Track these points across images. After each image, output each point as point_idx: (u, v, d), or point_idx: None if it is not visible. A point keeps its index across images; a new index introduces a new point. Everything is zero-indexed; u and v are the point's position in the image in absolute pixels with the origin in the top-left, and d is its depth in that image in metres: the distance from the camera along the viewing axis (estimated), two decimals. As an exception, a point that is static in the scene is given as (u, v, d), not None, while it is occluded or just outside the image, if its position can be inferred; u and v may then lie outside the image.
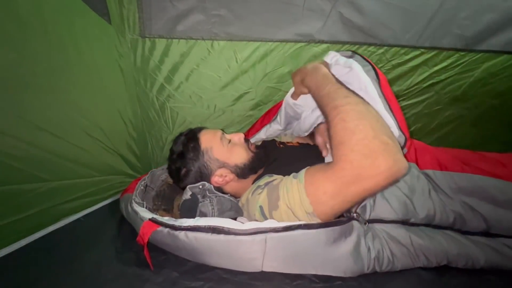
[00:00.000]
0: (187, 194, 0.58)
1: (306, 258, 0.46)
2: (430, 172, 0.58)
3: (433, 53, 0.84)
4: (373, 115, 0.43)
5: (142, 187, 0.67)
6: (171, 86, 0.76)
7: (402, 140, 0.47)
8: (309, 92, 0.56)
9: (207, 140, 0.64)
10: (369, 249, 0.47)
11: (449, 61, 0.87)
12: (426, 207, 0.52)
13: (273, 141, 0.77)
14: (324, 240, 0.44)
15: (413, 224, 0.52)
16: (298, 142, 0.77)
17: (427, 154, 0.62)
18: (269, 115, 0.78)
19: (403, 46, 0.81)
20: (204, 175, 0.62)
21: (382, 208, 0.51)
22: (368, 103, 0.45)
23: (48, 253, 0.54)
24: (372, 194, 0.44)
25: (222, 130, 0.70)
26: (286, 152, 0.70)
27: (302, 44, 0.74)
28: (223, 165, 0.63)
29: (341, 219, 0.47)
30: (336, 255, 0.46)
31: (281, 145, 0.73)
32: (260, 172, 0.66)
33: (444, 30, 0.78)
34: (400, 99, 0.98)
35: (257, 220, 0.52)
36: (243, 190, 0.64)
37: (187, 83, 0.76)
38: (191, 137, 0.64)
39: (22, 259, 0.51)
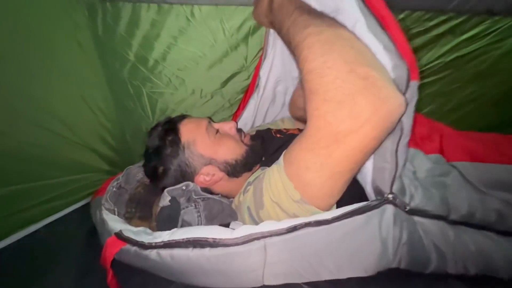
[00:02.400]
0: (165, 200, 0.47)
1: (318, 261, 0.37)
2: (458, 164, 0.47)
3: (462, 18, 0.71)
4: (345, 41, 0.31)
5: (114, 189, 0.56)
6: (145, 66, 0.62)
7: (403, 71, 0.31)
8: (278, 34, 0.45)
9: (189, 131, 0.53)
10: (399, 242, 0.37)
11: (479, 28, 0.74)
12: (465, 201, 0.41)
13: (268, 130, 0.65)
14: (341, 235, 0.35)
15: (454, 222, 0.41)
16: (298, 129, 0.66)
17: (454, 142, 0.51)
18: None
19: (428, 10, 0.66)
20: (186, 174, 0.52)
21: (425, 197, 0.39)
22: (340, 26, 0.33)
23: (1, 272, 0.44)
24: (368, 154, 0.33)
25: (210, 118, 0.58)
26: (286, 143, 0.59)
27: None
28: (209, 162, 0.52)
29: (369, 203, 0.36)
30: (356, 250, 0.36)
31: (279, 134, 0.62)
32: (256, 169, 0.56)
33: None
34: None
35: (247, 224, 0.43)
36: (236, 190, 0.54)
37: (165, 63, 0.62)
38: (169, 128, 0.53)
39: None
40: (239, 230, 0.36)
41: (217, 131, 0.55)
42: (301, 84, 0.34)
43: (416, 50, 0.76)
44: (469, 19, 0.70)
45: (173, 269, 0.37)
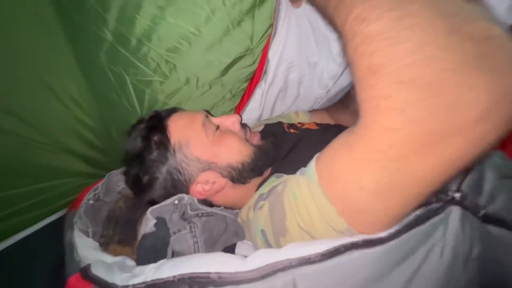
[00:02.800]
0: (149, 224, 0.36)
1: None
2: None
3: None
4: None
5: (91, 201, 0.45)
6: (126, 48, 0.50)
7: None
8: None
9: (180, 128, 0.43)
10: (469, 255, 0.28)
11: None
12: None
13: (279, 124, 0.55)
14: (400, 257, 0.25)
15: None
16: (315, 123, 0.55)
17: None
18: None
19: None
20: (178, 184, 0.42)
21: (509, 203, 0.29)
22: None
23: None
24: (469, 164, 0.21)
25: (207, 111, 0.47)
26: (302, 139, 0.49)
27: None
28: (208, 167, 0.42)
29: (430, 207, 0.26)
30: (417, 275, 0.26)
31: (292, 129, 0.52)
32: (267, 173, 0.45)
33: None
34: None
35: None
36: (243, 200, 0.44)
37: (150, 43, 0.49)
38: (154, 125, 0.43)
39: None
40: (254, 258, 0.26)
41: (217, 127, 0.45)
42: (348, 63, 0.22)
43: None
44: None
45: None
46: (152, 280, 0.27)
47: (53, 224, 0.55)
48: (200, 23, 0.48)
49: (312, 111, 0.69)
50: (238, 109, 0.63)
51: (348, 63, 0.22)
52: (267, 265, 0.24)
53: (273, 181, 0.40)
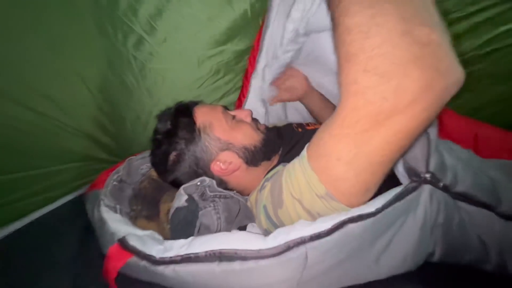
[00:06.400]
0: (181, 199, 0.39)
1: (359, 259, 0.32)
2: (500, 161, 0.46)
3: (506, 6, 0.63)
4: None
5: (115, 183, 0.48)
6: (153, 38, 0.53)
7: None
8: None
9: (204, 113, 0.48)
10: (435, 221, 0.34)
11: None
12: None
13: (289, 124, 0.61)
14: (384, 227, 0.31)
15: (504, 216, 0.36)
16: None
17: (492, 142, 0.51)
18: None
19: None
20: (201, 162, 0.46)
21: (476, 182, 0.35)
22: None
23: None
24: (414, 139, 0.27)
25: (224, 106, 0.52)
26: (305, 136, 0.54)
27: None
28: (227, 147, 0.47)
29: (406, 187, 0.32)
30: (397, 239, 0.33)
31: (300, 129, 0.58)
32: (274, 160, 0.51)
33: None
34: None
35: (263, 226, 0.38)
36: (253, 185, 0.48)
37: (176, 34, 0.53)
38: (182, 110, 0.47)
39: None
40: (273, 237, 0.30)
41: (233, 117, 0.50)
42: (334, 48, 0.26)
43: (454, 38, 0.70)
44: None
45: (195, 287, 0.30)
46: (187, 254, 0.30)
47: (70, 203, 0.57)
48: (224, 14, 0.52)
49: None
50: (239, 105, 0.68)
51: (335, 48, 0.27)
52: (285, 243, 0.29)
53: (278, 169, 0.45)
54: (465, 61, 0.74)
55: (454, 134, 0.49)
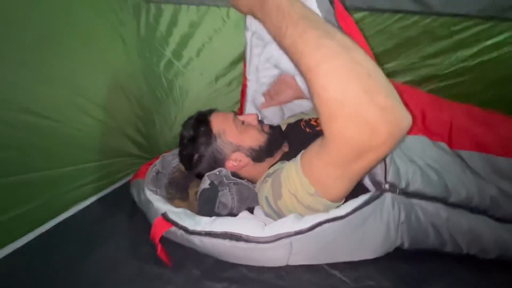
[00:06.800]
0: (205, 183, 0.53)
1: (334, 248, 0.43)
2: (465, 153, 0.53)
3: (487, 24, 0.71)
4: (362, 68, 0.31)
5: (154, 173, 0.62)
6: (180, 62, 0.67)
7: None
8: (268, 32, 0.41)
9: (219, 122, 0.58)
10: (398, 221, 0.43)
11: (503, 35, 0.74)
12: (465, 186, 0.46)
13: (298, 122, 0.68)
14: (355, 225, 0.41)
15: (453, 205, 0.46)
16: None
17: (464, 131, 0.55)
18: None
19: (454, 15, 0.68)
20: (218, 160, 0.58)
21: (424, 181, 0.44)
22: (352, 43, 0.33)
23: (53, 249, 0.50)
24: (379, 162, 0.39)
25: (234, 112, 0.64)
26: (311, 139, 0.63)
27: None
28: (237, 149, 0.58)
29: (371, 195, 0.42)
30: (366, 236, 0.43)
31: (308, 129, 0.65)
32: (277, 155, 0.62)
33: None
34: (438, 79, 0.86)
35: (266, 213, 0.49)
36: (260, 175, 0.59)
37: (197, 60, 0.67)
38: (201, 120, 0.59)
39: (25, 257, 0.48)
40: (269, 228, 0.42)
41: (243, 122, 0.60)
42: (312, 102, 0.36)
43: (440, 53, 0.78)
44: (494, 26, 0.71)
45: (213, 252, 0.44)
46: (210, 231, 0.42)
47: (111, 195, 0.72)
48: (237, 47, 0.65)
49: None
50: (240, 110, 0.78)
51: (311, 100, 0.36)
52: (275, 235, 0.40)
53: (279, 165, 0.56)
54: (455, 72, 0.83)
55: (432, 126, 0.55)
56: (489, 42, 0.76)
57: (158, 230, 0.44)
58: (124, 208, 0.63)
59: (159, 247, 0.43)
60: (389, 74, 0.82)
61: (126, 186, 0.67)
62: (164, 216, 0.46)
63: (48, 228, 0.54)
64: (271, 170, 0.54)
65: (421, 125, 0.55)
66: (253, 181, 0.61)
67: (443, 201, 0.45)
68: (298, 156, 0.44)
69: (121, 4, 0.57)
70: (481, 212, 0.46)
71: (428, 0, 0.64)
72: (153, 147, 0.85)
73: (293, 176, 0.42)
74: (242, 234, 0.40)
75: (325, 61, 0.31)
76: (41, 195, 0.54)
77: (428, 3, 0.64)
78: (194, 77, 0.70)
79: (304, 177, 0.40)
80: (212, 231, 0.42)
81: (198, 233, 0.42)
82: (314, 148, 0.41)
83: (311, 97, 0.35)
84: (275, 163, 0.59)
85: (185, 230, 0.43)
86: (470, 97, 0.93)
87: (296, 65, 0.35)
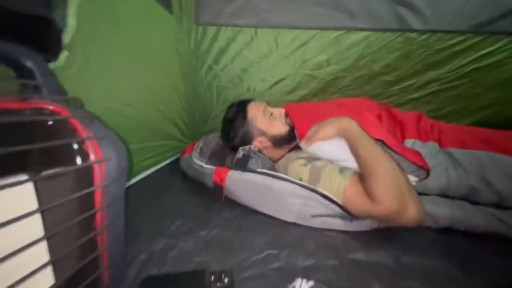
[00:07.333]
0: (240, 154, 0.72)
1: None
2: (452, 150, 0.66)
3: (479, 38, 0.81)
4: (401, 173, 0.54)
5: (199, 149, 0.84)
6: (218, 67, 0.87)
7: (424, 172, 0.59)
8: (347, 141, 0.63)
9: (253, 111, 0.75)
10: None
11: (497, 45, 0.83)
12: (438, 180, 0.61)
13: None
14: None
15: (427, 194, 0.62)
16: None
17: (450, 135, 0.69)
18: None
19: (448, 32, 0.79)
20: (247, 140, 0.75)
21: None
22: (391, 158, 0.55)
23: (135, 196, 0.71)
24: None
25: (267, 102, 0.80)
26: None
27: (342, 32, 0.77)
28: (263, 134, 0.74)
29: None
30: None
31: None
32: (295, 143, 0.77)
33: (493, 14, 0.74)
34: (438, 82, 0.97)
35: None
36: (278, 156, 0.77)
37: (231, 65, 0.86)
38: (241, 107, 0.77)
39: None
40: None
41: (271, 113, 0.75)
42: (366, 179, 0.54)
43: (438, 63, 0.89)
44: (487, 38, 0.81)
45: (253, 188, 0.63)
46: (262, 170, 0.63)
47: (164, 167, 0.96)
48: (262, 57, 0.83)
49: None
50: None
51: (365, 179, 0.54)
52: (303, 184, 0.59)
53: (301, 153, 0.70)
54: (454, 77, 0.94)
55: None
56: (481, 52, 0.85)
57: (221, 172, 0.66)
58: (175, 177, 0.86)
59: (224, 183, 0.63)
60: (394, 82, 0.95)
61: (172, 163, 0.89)
62: (220, 167, 0.67)
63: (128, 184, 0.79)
64: (302, 154, 0.67)
65: (417, 131, 0.72)
66: (272, 160, 0.79)
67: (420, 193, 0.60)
68: (348, 175, 0.57)
69: (179, 27, 0.78)
70: (459, 199, 0.61)
71: (425, 19, 0.76)
72: (191, 134, 1.07)
73: (332, 185, 0.57)
74: (275, 174, 0.61)
75: (382, 165, 0.54)
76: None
77: (426, 21, 0.76)
78: (228, 79, 0.89)
79: (342, 196, 0.55)
80: (263, 171, 0.62)
81: (250, 171, 0.62)
82: (360, 185, 0.55)
83: (364, 175, 0.54)
84: (290, 150, 0.76)
85: (242, 170, 0.64)
86: (473, 98, 1.02)
87: (363, 157, 0.56)
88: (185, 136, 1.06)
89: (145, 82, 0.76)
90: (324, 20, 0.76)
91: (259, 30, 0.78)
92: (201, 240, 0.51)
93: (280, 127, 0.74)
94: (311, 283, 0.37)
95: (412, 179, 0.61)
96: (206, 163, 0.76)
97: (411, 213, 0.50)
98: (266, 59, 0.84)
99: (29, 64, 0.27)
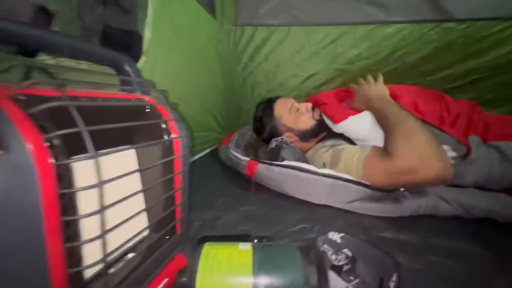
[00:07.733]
0: (273, 144, 0.80)
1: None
2: (500, 143, 0.64)
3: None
4: (426, 131, 0.54)
5: (235, 141, 0.93)
6: (253, 64, 0.95)
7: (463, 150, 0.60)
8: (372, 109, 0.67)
9: (279, 109, 0.82)
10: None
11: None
12: (478, 173, 0.61)
13: None
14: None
15: (462, 187, 0.61)
16: None
17: (497, 127, 0.68)
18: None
19: (492, 19, 0.77)
20: (275, 136, 0.83)
21: None
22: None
23: None
24: (417, 187, 0.55)
25: (294, 98, 0.86)
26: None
27: (374, 26, 0.79)
28: (290, 130, 0.81)
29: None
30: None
31: None
32: (321, 136, 0.82)
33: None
34: (478, 70, 0.94)
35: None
36: (305, 148, 0.83)
37: (265, 62, 0.93)
38: (268, 105, 0.84)
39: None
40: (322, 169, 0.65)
41: (298, 109, 0.82)
42: (388, 135, 0.57)
43: (478, 52, 0.86)
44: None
45: (280, 179, 0.69)
46: (286, 164, 0.69)
47: (205, 156, 1.07)
48: (294, 54, 0.89)
49: None
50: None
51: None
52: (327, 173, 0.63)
53: (332, 141, 0.73)
54: (495, 65, 0.90)
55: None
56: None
57: (252, 165, 0.74)
58: (214, 165, 0.96)
59: (253, 176, 0.71)
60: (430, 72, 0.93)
61: (212, 153, 1.00)
62: (252, 159, 0.75)
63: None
64: (327, 143, 0.72)
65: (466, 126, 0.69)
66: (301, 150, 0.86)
67: (456, 186, 0.61)
68: (367, 149, 0.59)
69: (220, 29, 0.87)
70: (499, 191, 0.60)
71: (469, 7, 0.75)
72: (227, 126, 1.17)
73: (352, 159, 0.59)
74: (304, 167, 0.65)
75: (407, 121, 0.57)
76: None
77: (470, 9, 0.75)
78: (262, 75, 0.97)
79: (362, 165, 0.57)
80: (287, 164, 0.68)
81: (277, 165, 0.68)
82: (381, 151, 0.57)
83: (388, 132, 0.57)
84: (317, 142, 0.81)
85: (270, 164, 0.70)
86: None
87: (384, 122, 0.61)
88: (222, 128, 1.16)
89: (193, 80, 0.87)
90: (356, 15, 0.78)
91: (292, 28, 0.83)
92: (242, 214, 0.60)
93: (306, 122, 0.79)
94: (342, 234, 0.43)
95: (451, 154, 0.62)
96: (241, 154, 0.84)
97: (435, 169, 0.49)
98: (298, 55, 0.89)
99: (127, 67, 0.37)
